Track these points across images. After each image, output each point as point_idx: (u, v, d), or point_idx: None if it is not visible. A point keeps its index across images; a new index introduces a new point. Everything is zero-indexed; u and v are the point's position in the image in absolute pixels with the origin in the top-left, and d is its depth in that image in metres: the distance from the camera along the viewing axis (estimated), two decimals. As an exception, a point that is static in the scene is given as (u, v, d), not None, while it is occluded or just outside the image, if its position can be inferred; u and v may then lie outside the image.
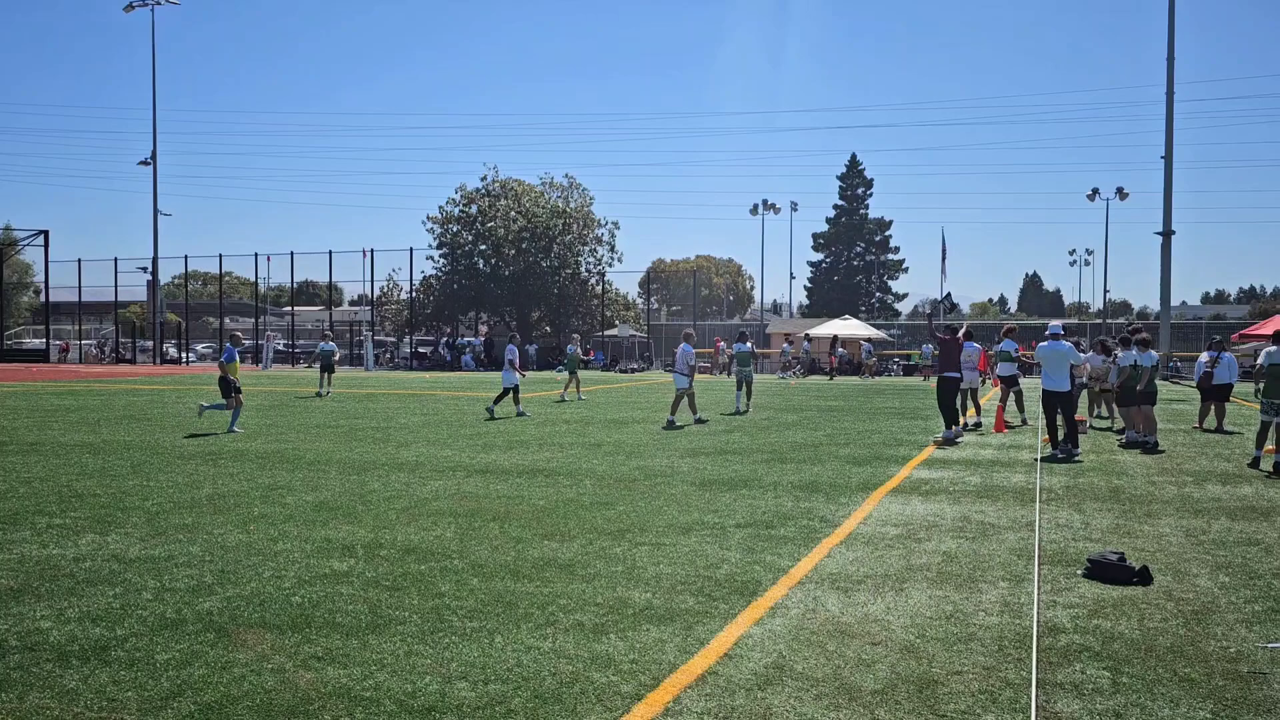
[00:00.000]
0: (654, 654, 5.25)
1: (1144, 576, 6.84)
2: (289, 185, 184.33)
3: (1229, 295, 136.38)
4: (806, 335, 46.45)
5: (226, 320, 65.14)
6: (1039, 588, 6.67)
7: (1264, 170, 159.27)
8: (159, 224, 57.81)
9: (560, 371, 25.01)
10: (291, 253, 56.25)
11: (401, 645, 5.36)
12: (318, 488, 10.69)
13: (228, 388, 17.06)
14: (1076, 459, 13.54)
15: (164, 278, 62.29)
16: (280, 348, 57.83)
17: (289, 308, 65.86)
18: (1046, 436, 16.13)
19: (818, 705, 4.58)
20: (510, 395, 20.49)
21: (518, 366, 20.70)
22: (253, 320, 62.53)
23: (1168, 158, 37.96)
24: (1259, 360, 14.70)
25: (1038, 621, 5.88)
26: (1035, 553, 7.73)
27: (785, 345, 47.16)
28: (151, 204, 56.54)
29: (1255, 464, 12.72)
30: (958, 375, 16.44)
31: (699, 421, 18.57)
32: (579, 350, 27.56)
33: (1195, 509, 9.74)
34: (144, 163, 56.58)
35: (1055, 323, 15.65)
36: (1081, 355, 14.78)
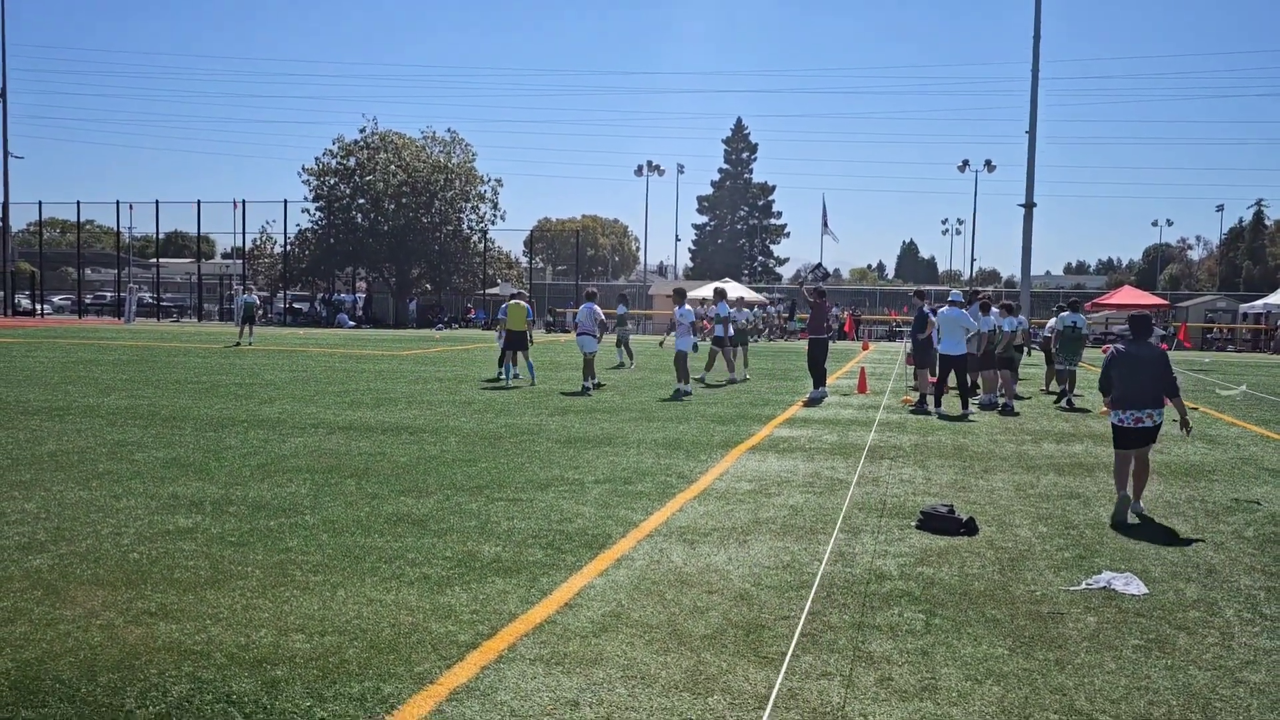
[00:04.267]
0: (496, 605, 5.35)
1: (970, 527, 7.27)
2: (155, 131, 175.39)
3: (1089, 266, 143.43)
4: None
5: (86, 271, 61.95)
6: (828, 539, 7.03)
7: (1125, 148, 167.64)
8: (10, 167, 54.35)
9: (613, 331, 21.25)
10: (157, 201, 53.75)
11: (240, 599, 5.33)
12: (170, 444, 10.39)
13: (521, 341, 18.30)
14: (1015, 413, 14.75)
15: (16, 225, 58.85)
16: (148, 300, 55.39)
17: (155, 259, 62.97)
18: (907, 397, 16.88)
19: (648, 650, 4.76)
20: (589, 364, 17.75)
21: (594, 332, 17.94)
22: (115, 272, 59.59)
23: (1031, 132, 39.49)
24: (1051, 324, 17.18)
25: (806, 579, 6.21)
26: (843, 509, 8.13)
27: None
28: (0, 145, 53.08)
29: (1061, 398, 16.34)
30: (826, 337, 17.04)
31: (597, 385, 17.53)
32: (746, 320, 22.83)
33: (1028, 465, 10.35)
34: (-8, 101, 52.91)
35: (955, 291, 16.44)
36: (974, 322, 15.47)
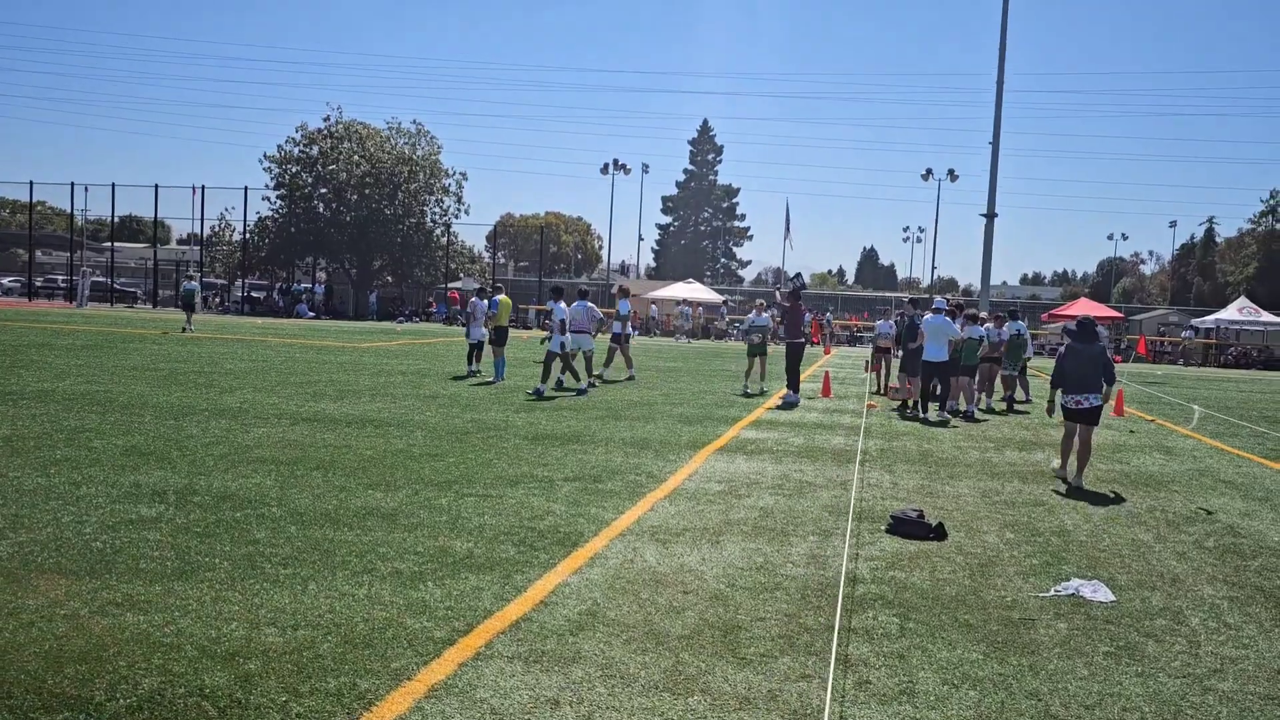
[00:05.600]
0: (470, 601, 5.30)
1: (939, 532, 7.33)
2: (111, 113, 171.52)
3: (1044, 278, 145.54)
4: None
5: (37, 254, 60.62)
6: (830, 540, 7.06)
7: (1083, 162, 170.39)
8: (-40, 144, 53.02)
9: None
10: (113, 184, 52.83)
11: (209, 591, 5.22)
12: (130, 431, 10.18)
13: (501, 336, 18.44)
14: (948, 421, 14.95)
15: (-35, 203, 57.34)
16: (102, 283, 54.28)
17: (110, 243, 61.79)
18: (872, 402, 17.05)
19: (626, 649, 4.73)
20: (554, 362, 16.77)
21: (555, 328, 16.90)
22: (67, 254, 58.37)
23: (995, 144, 40.02)
24: (1003, 334, 17.59)
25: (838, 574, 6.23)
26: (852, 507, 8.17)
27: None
28: (-48, 122, 51.75)
29: (1007, 401, 17.49)
30: (802, 340, 17.12)
31: (590, 385, 17.12)
32: (767, 326, 19.01)
33: (993, 472, 10.48)
34: (-56, 76, 51.66)
35: (940, 298, 16.64)
36: (959, 330, 15.66)
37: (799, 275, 21.81)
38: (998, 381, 17.80)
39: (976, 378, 16.61)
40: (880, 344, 20.12)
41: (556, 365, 16.77)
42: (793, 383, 16.60)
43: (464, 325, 18.91)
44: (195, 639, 4.54)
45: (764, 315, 18.93)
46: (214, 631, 4.64)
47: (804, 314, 17.32)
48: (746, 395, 17.61)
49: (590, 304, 17.48)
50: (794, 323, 16.89)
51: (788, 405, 15.98)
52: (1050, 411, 9.93)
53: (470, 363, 19.02)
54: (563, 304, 16.90)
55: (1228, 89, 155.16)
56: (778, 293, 19.34)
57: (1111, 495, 9.49)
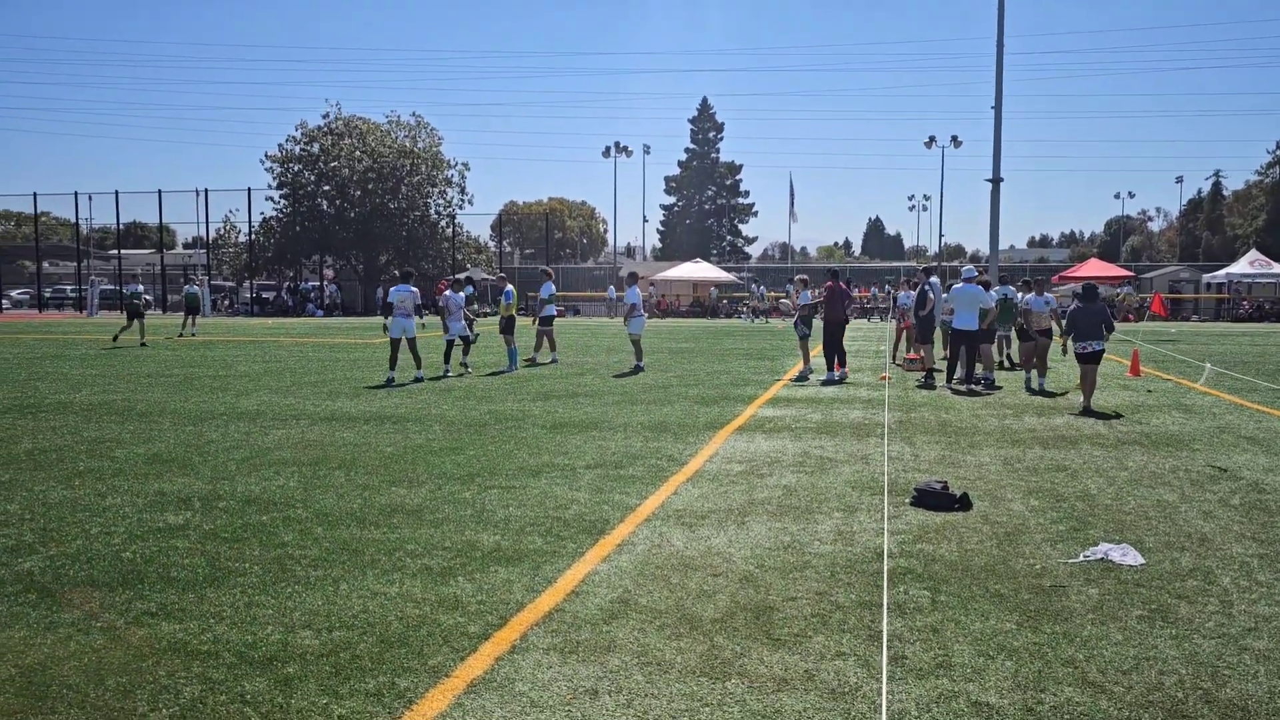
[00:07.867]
0: (502, 594, 5.31)
1: (964, 503, 7.32)
2: (112, 120, 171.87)
3: (1052, 239, 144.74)
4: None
5: (45, 264, 60.85)
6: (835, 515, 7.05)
7: (1088, 121, 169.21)
8: (-37, 159, 53.16)
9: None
10: (116, 192, 52.99)
11: (242, 597, 5.25)
12: (150, 439, 10.22)
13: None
14: (997, 388, 15.16)
15: (-29, 218, 57.58)
16: (114, 290, 54.49)
17: (116, 250, 62.00)
18: (885, 374, 17.00)
19: (660, 635, 4.74)
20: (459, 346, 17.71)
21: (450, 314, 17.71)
22: (74, 264, 58.54)
23: (997, 108, 39.68)
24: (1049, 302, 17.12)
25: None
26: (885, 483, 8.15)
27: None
28: (-47, 137, 51.84)
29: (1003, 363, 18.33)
30: (843, 320, 16.90)
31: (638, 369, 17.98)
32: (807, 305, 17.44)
33: (1013, 439, 10.45)
34: (-58, 92, 51.71)
35: (969, 267, 16.58)
36: (991, 299, 15.59)
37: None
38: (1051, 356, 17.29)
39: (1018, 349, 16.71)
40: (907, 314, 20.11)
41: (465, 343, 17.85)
42: (831, 360, 16.34)
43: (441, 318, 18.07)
44: (232, 645, 4.57)
45: (805, 293, 17.75)
46: (250, 637, 4.67)
47: (840, 291, 16.81)
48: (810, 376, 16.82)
49: (639, 290, 18.75)
50: (834, 302, 16.67)
51: (830, 382, 15.83)
52: (1065, 351, 13.57)
53: (446, 360, 17.70)
54: (551, 284, 17.15)
55: (1229, 41, 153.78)
56: (797, 280, 18.65)
57: (1112, 415, 11.99)
